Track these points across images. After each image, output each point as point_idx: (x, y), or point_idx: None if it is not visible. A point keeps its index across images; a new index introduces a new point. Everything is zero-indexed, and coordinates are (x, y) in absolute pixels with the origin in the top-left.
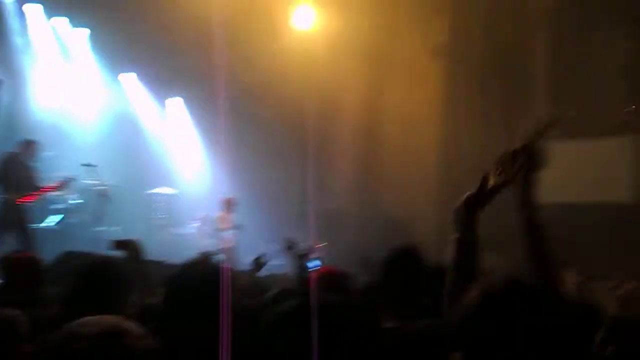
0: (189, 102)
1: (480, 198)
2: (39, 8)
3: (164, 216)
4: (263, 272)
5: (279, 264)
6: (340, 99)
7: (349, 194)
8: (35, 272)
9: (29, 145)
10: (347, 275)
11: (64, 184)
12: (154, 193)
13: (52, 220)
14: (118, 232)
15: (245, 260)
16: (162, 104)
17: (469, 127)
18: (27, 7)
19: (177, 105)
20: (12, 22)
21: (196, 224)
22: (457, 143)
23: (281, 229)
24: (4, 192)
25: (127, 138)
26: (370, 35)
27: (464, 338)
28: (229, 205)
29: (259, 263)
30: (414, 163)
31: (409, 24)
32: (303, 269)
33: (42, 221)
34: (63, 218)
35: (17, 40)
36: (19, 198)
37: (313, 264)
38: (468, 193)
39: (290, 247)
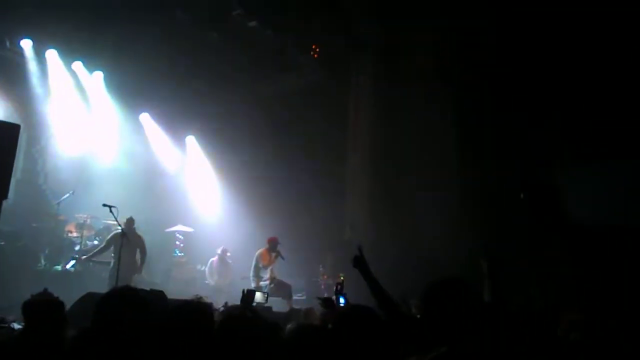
0: (205, 139)
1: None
2: (54, 53)
3: (182, 254)
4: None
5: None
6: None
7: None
8: (59, 314)
9: None
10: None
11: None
12: (172, 231)
13: (70, 263)
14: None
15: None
16: (179, 141)
17: None
18: (48, 53)
19: (192, 143)
20: (31, 66)
21: (212, 259)
22: None
23: (309, 264)
24: None
25: (146, 177)
26: None
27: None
28: (272, 244)
29: (247, 296)
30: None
31: None
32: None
33: (62, 262)
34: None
35: (35, 83)
36: None
37: (342, 300)
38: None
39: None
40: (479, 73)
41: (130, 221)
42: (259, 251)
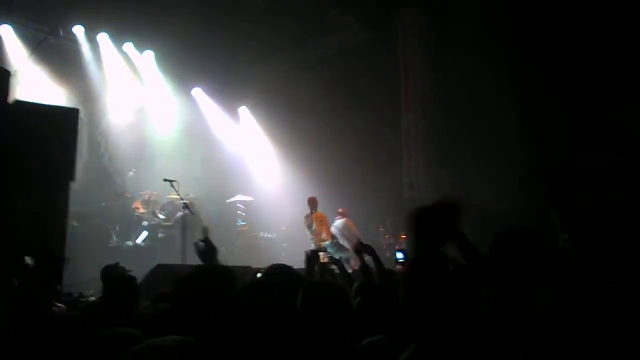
0: (257, 109)
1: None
2: (105, 37)
3: (244, 223)
4: None
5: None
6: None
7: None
8: (133, 289)
9: None
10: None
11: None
12: (233, 201)
13: (140, 238)
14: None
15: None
16: (233, 113)
17: None
18: (99, 37)
19: (245, 113)
20: (85, 51)
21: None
22: None
23: (369, 225)
24: None
25: (203, 150)
26: None
27: None
28: (312, 204)
29: (311, 258)
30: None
31: None
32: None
33: (133, 238)
34: (149, 235)
35: (91, 68)
36: None
37: (400, 257)
38: None
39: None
40: (542, 33)
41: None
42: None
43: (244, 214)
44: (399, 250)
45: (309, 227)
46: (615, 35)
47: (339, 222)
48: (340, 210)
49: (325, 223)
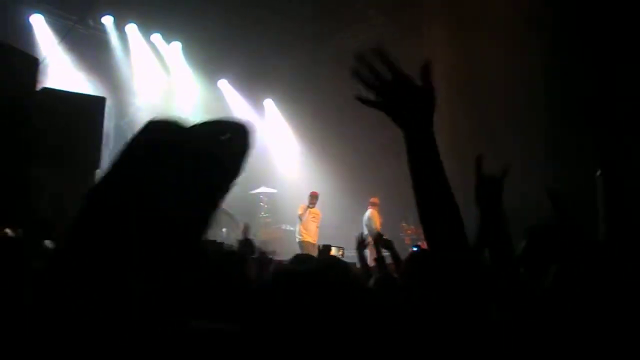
0: (281, 102)
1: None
2: (133, 27)
3: (267, 214)
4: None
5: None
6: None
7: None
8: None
9: None
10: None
11: None
12: (257, 193)
13: None
14: (223, 234)
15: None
16: (257, 106)
17: None
18: (128, 27)
19: (270, 106)
20: (114, 41)
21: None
22: None
23: (391, 219)
24: None
25: None
26: None
27: None
28: (313, 198)
29: (324, 252)
30: None
31: None
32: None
33: None
34: None
35: (119, 58)
36: None
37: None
38: None
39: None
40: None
41: None
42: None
43: (266, 206)
44: (416, 246)
45: (300, 217)
46: None
47: (368, 212)
48: (371, 200)
49: (317, 220)
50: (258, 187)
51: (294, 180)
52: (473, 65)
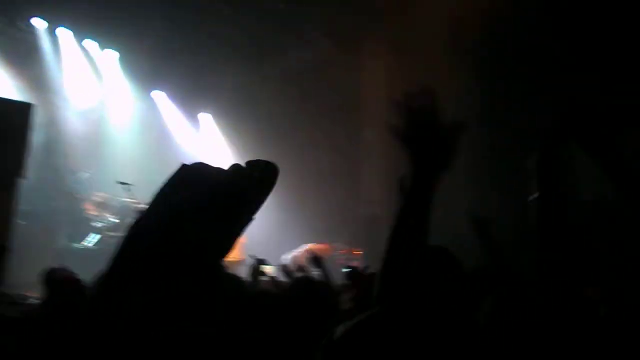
0: (220, 118)
1: None
2: (66, 32)
3: None
4: None
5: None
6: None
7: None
8: (77, 287)
9: None
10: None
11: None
12: None
13: (91, 241)
14: None
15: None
16: (194, 120)
17: None
18: (59, 31)
19: (208, 121)
20: (44, 45)
21: None
22: None
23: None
24: None
25: (161, 155)
26: None
27: None
28: None
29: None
30: None
31: None
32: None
33: (82, 241)
34: (101, 238)
35: (49, 62)
36: None
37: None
38: None
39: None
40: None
41: None
42: None
43: None
44: (347, 267)
45: None
46: None
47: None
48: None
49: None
50: None
51: None
52: (408, 89)
